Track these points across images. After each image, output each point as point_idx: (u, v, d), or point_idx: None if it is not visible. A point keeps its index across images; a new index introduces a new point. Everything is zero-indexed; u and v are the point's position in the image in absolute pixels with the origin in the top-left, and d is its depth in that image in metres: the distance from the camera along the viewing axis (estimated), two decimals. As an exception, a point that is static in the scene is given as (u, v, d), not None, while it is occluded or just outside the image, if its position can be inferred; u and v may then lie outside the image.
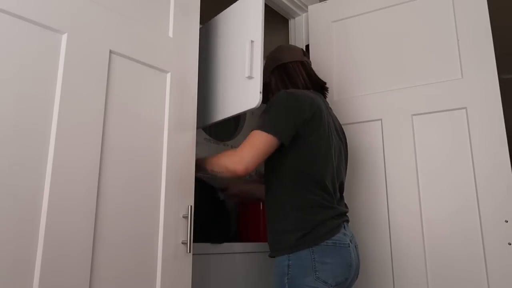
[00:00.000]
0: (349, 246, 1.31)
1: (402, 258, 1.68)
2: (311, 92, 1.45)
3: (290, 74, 1.51)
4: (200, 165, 1.38)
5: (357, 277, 1.39)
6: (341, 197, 1.46)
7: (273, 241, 1.35)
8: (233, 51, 1.46)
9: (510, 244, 1.49)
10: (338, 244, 1.28)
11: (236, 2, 1.50)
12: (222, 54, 1.52)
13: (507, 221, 1.50)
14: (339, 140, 1.49)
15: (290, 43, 2.26)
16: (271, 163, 1.36)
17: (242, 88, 1.37)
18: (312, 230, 1.27)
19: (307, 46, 2.13)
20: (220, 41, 1.54)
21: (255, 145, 1.27)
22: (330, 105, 1.59)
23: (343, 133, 1.57)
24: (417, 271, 1.64)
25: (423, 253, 1.64)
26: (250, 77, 1.34)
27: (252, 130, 1.31)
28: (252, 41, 1.35)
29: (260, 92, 1.30)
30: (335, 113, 1.60)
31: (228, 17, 1.53)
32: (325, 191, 1.34)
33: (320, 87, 1.55)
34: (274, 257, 1.34)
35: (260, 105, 1.33)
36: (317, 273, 1.24)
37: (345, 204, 1.48)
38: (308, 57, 1.62)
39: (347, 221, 1.41)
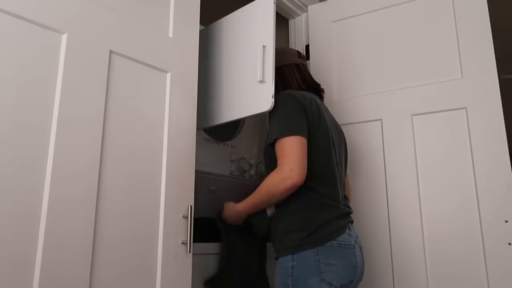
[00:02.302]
0: (354, 247, 1.29)
1: (402, 258, 1.68)
2: (307, 92, 1.45)
3: (284, 78, 1.51)
4: (238, 211, 1.40)
5: (361, 279, 1.37)
6: (344, 196, 1.45)
7: (277, 242, 1.33)
8: (242, 55, 1.48)
9: (510, 244, 1.49)
10: (343, 245, 1.26)
11: (244, 7, 1.51)
12: (230, 57, 1.53)
13: (507, 221, 1.50)
14: (339, 138, 1.49)
15: (290, 43, 2.26)
16: (275, 164, 1.31)
17: (253, 91, 1.40)
18: (317, 230, 1.25)
19: (307, 46, 2.13)
20: (226, 44, 1.56)
21: (292, 152, 1.25)
22: (327, 105, 1.59)
23: (342, 132, 1.57)
24: (417, 271, 1.64)
25: (423, 253, 1.64)
26: (262, 81, 1.36)
27: (275, 141, 1.29)
28: (264, 46, 1.38)
29: (273, 96, 1.33)
30: (334, 112, 1.60)
31: (235, 21, 1.54)
32: (329, 190, 1.33)
33: (315, 89, 1.55)
34: (277, 256, 1.31)
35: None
36: (322, 274, 1.21)
37: (348, 205, 1.47)
38: (304, 59, 1.61)
39: (352, 222, 1.40)
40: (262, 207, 1.37)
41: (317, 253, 1.23)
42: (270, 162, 1.35)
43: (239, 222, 1.47)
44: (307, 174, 1.27)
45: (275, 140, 1.29)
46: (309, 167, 1.28)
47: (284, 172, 1.24)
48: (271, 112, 1.36)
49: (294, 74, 1.52)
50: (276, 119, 1.33)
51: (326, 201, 1.31)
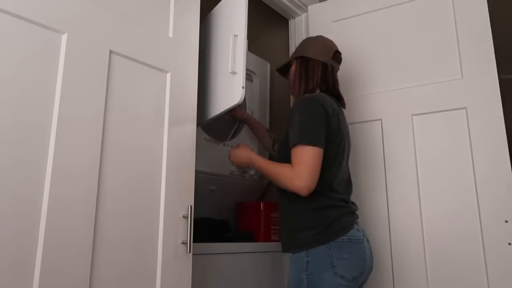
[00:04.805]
0: (363, 242, 1.37)
1: (402, 258, 1.68)
2: (329, 98, 1.47)
3: (306, 70, 1.53)
4: (251, 161, 1.49)
5: (371, 271, 1.44)
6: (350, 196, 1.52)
7: (289, 239, 1.40)
8: (220, 47, 1.44)
9: (510, 244, 1.49)
10: (353, 240, 1.34)
11: None
12: (212, 51, 1.50)
13: (507, 221, 1.50)
14: (348, 143, 1.53)
15: (290, 43, 2.26)
16: (289, 160, 1.37)
17: (227, 84, 1.36)
18: (327, 227, 1.33)
19: (307, 46, 2.13)
20: (211, 38, 1.53)
21: (308, 163, 1.30)
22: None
23: (349, 133, 1.60)
24: (417, 271, 1.64)
25: (423, 253, 1.64)
26: (233, 72, 1.31)
27: (294, 144, 1.33)
28: (235, 35, 1.32)
29: (243, 87, 1.28)
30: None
31: (217, 14, 1.52)
32: (337, 192, 1.40)
33: (333, 95, 1.55)
34: (288, 252, 1.41)
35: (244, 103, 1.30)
36: (335, 268, 1.29)
37: (355, 204, 1.53)
38: (338, 61, 1.61)
39: (357, 218, 1.47)
40: (265, 175, 1.47)
41: (329, 248, 1.31)
42: (285, 157, 1.39)
43: (239, 165, 1.58)
44: (320, 180, 1.33)
45: (297, 144, 1.33)
46: (322, 174, 1.34)
47: (294, 179, 1.30)
48: (294, 113, 1.38)
49: (317, 72, 1.52)
50: (298, 123, 1.36)
51: (334, 202, 1.38)
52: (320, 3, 2.14)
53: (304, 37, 2.18)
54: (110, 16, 1.13)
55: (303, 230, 1.36)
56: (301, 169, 1.29)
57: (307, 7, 2.16)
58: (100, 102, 1.07)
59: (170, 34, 1.30)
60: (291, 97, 2.18)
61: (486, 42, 1.65)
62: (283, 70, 1.66)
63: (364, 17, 1.96)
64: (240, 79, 1.29)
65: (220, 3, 1.52)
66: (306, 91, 1.50)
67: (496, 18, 1.69)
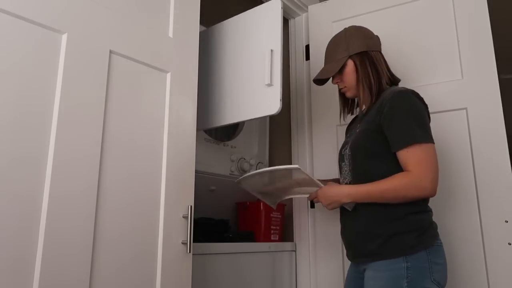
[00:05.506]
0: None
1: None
2: None
3: (374, 64, 1.40)
4: (350, 197, 1.30)
5: None
6: None
7: (381, 244, 1.26)
8: (248, 58, 1.51)
9: (510, 244, 1.49)
10: (442, 244, 1.30)
11: (250, 10, 1.54)
12: (235, 60, 1.56)
13: (507, 221, 1.50)
14: None
15: (290, 43, 2.26)
16: (382, 168, 1.28)
17: (261, 94, 1.44)
18: (426, 230, 1.27)
19: (307, 46, 2.13)
20: (230, 47, 1.58)
21: (431, 161, 1.22)
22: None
23: None
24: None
25: (423, 253, 1.64)
26: (269, 85, 1.40)
27: (407, 144, 1.22)
28: (272, 50, 1.41)
29: (281, 100, 1.36)
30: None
31: (240, 24, 1.57)
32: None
33: (395, 85, 1.45)
34: (373, 261, 1.27)
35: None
36: (433, 274, 1.22)
37: None
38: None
39: None
40: (375, 201, 1.27)
41: (428, 253, 1.24)
42: (377, 164, 1.30)
43: (335, 206, 1.35)
44: None
45: (411, 144, 1.22)
46: None
47: (423, 181, 1.21)
48: (395, 109, 1.26)
49: (381, 63, 1.41)
50: (406, 120, 1.25)
51: (427, 206, 1.33)
52: (320, 3, 2.14)
53: (304, 37, 2.18)
54: (110, 16, 1.14)
55: (404, 232, 1.24)
56: (424, 169, 1.20)
57: (307, 7, 2.16)
58: (100, 102, 1.07)
59: (170, 34, 1.30)
60: (291, 98, 2.18)
61: (486, 42, 1.65)
62: (323, 77, 1.50)
63: (364, 17, 1.96)
64: (278, 92, 1.39)
65: (242, 14, 1.57)
66: (380, 87, 1.37)
67: (496, 18, 1.69)
